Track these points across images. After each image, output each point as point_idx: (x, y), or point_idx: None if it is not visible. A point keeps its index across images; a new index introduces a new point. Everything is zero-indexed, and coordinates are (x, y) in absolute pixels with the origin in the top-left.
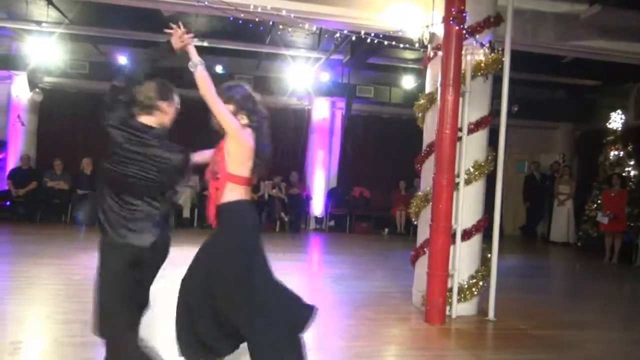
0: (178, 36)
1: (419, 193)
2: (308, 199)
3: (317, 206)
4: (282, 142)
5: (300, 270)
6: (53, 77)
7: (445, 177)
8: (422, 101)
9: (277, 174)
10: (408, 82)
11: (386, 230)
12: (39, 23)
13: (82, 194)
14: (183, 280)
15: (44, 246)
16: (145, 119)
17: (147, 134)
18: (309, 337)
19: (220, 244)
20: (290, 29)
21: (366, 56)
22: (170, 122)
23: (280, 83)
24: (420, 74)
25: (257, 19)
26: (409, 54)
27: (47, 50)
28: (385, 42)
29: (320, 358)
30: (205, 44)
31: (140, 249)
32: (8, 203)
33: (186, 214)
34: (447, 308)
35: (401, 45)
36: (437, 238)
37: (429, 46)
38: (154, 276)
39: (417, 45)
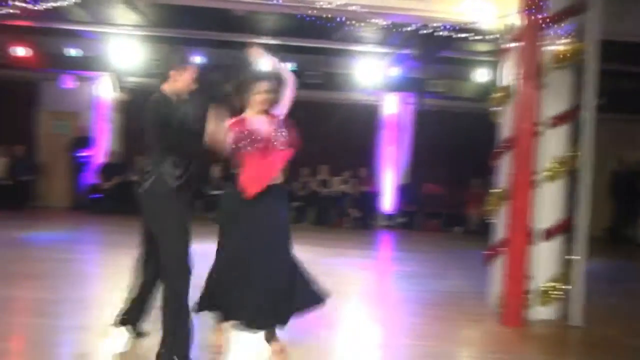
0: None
1: (495, 190)
2: (377, 195)
3: (387, 202)
4: (351, 138)
5: (368, 266)
6: (136, 77)
7: (523, 173)
8: (497, 95)
9: (346, 170)
10: (481, 75)
11: (458, 228)
12: (120, 26)
13: None
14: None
15: (130, 236)
16: None
17: None
18: (373, 334)
19: (282, 218)
20: (360, 25)
21: (437, 50)
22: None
23: (349, 79)
24: (495, 66)
25: (326, 16)
26: (483, 46)
27: (129, 51)
28: (458, 35)
29: (384, 356)
30: (275, 41)
31: None
32: (97, 195)
33: None
34: (526, 311)
35: (475, 38)
36: (514, 238)
37: (505, 37)
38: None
39: (492, 36)
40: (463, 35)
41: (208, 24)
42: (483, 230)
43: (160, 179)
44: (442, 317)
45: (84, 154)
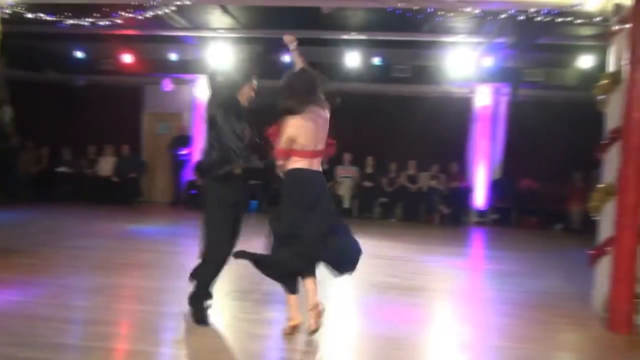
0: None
1: (601, 185)
2: (469, 190)
3: (479, 198)
4: (442, 132)
5: (458, 264)
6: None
7: (633, 167)
8: (604, 82)
9: (436, 165)
10: (585, 61)
11: (559, 225)
12: (216, 30)
13: (254, 183)
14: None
15: None
16: None
17: None
18: (462, 333)
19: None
20: (450, 15)
21: (535, 37)
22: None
23: (440, 71)
24: (600, 52)
25: (415, 8)
26: (587, 30)
27: (223, 54)
28: (559, 19)
29: (473, 357)
30: (363, 37)
31: None
32: (194, 192)
33: (346, 204)
34: (636, 316)
35: (578, 21)
36: (623, 237)
37: (612, 19)
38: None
39: (597, 19)
40: (564, 19)
41: (297, 23)
42: (586, 228)
43: None
44: (538, 320)
45: (183, 152)
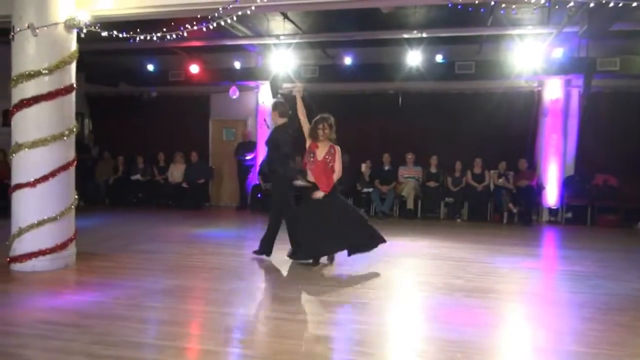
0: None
1: None
2: (540, 188)
3: (551, 196)
4: (509, 128)
5: (530, 265)
6: (289, 82)
7: None
8: None
9: (504, 162)
10: None
11: None
12: (277, 36)
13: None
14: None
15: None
16: None
17: None
18: (536, 337)
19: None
20: (514, 6)
21: (609, 23)
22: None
23: (506, 66)
24: None
25: (477, 2)
26: None
27: (284, 59)
28: (635, 3)
29: None
30: (424, 35)
31: None
32: (259, 195)
33: (409, 205)
34: None
35: None
36: None
37: None
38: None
39: None
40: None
41: (357, 24)
42: None
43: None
44: (619, 323)
45: (248, 157)
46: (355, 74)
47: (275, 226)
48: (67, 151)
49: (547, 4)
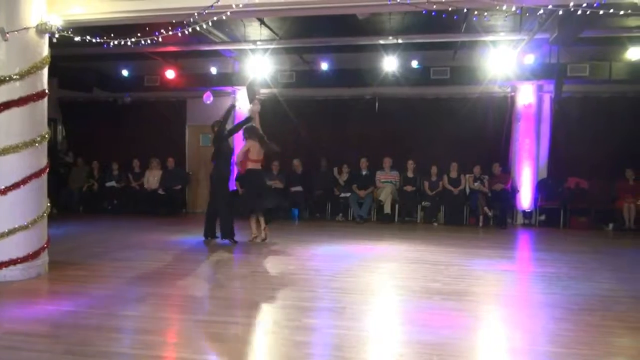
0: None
1: None
2: (514, 191)
3: (525, 199)
4: (483, 133)
5: (505, 267)
6: (266, 88)
7: None
8: None
9: (478, 166)
10: (634, 53)
11: (610, 225)
12: (254, 42)
13: (295, 190)
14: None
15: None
16: None
17: None
18: (512, 338)
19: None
20: (487, 13)
21: (578, 30)
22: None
23: (478, 71)
24: None
25: (450, 9)
26: (634, 21)
27: (261, 65)
28: (604, 11)
29: None
30: (401, 40)
31: None
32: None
33: (387, 209)
34: None
35: (627, 12)
36: None
37: None
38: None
39: None
40: (611, 10)
41: (334, 30)
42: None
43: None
44: (590, 324)
45: None
46: (332, 79)
47: (225, 212)
48: (39, 158)
49: (517, 12)
